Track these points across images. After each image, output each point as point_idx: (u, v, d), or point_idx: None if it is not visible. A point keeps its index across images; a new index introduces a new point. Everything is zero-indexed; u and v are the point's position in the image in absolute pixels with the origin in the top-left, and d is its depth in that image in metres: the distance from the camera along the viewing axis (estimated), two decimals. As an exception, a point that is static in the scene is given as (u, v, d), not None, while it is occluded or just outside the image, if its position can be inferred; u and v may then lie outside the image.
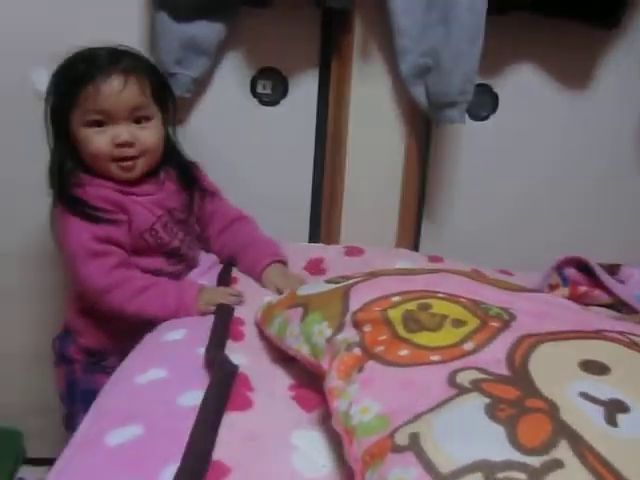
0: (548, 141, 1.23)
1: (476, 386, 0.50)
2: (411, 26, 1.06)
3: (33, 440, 1.30)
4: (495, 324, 0.60)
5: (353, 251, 1.09)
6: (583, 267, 1.01)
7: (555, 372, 0.52)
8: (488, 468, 0.42)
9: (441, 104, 1.09)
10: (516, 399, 0.48)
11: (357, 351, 0.59)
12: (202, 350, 0.72)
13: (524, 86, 1.20)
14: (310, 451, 0.57)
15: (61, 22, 1.07)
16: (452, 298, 0.66)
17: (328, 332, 0.65)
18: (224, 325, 0.80)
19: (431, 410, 0.48)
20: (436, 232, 1.27)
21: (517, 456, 0.42)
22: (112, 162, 0.92)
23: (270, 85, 1.16)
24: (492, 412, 0.46)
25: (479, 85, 1.13)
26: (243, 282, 0.97)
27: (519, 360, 0.54)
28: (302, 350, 0.68)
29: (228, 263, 1.03)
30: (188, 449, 0.55)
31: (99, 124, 0.90)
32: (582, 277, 1.00)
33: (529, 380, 0.51)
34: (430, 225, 1.27)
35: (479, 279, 0.77)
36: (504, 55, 1.17)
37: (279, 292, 0.92)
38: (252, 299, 0.89)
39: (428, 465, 0.43)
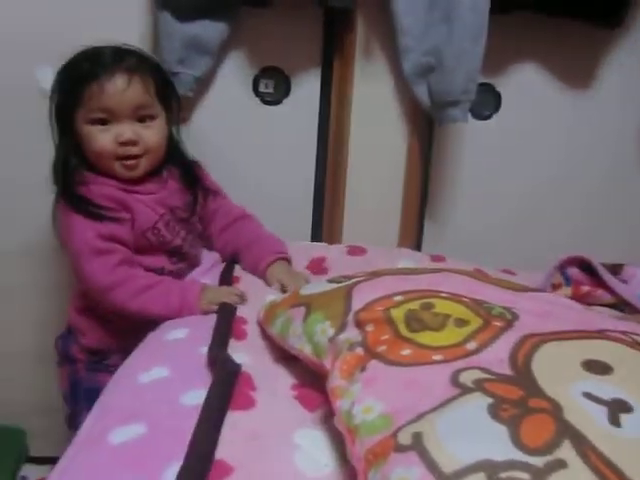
0: (551, 141, 1.23)
1: (479, 386, 0.50)
2: (413, 25, 1.06)
3: (36, 439, 1.30)
4: (498, 324, 0.60)
5: (355, 250, 1.09)
6: (586, 267, 1.01)
7: (558, 372, 0.52)
8: (491, 468, 0.41)
9: (444, 103, 1.09)
10: (519, 399, 0.48)
11: (360, 351, 0.59)
12: (205, 349, 0.73)
13: (527, 85, 1.20)
14: (313, 450, 0.57)
15: (65, 21, 1.07)
16: (455, 298, 0.66)
17: (331, 331, 0.65)
18: (227, 324, 0.80)
19: (434, 410, 0.48)
20: (438, 231, 1.27)
21: (520, 456, 0.42)
22: (116, 160, 0.92)
23: (272, 84, 1.16)
24: (495, 412, 0.46)
25: (482, 84, 1.13)
26: (246, 281, 0.97)
27: (522, 360, 0.54)
28: (304, 349, 0.68)
29: (231, 261, 1.03)
30: (191, 448, 0.55)
31: (103, 122, 0.90)
32: (585, 277, 1.00)
33: (532, 380, 0.51)
34: (432, 224, 1.27)
35: (482, 279, 0.77)
36: (507, 54, 1.17)
37: (283, 289, 0.92)
38: (255, 298, 0.89)
39: (431, 465, 0.43)
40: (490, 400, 0.48)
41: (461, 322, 0.61)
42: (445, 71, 1.07)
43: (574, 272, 1.01)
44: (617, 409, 0.47)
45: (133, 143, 0.91)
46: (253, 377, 0.67)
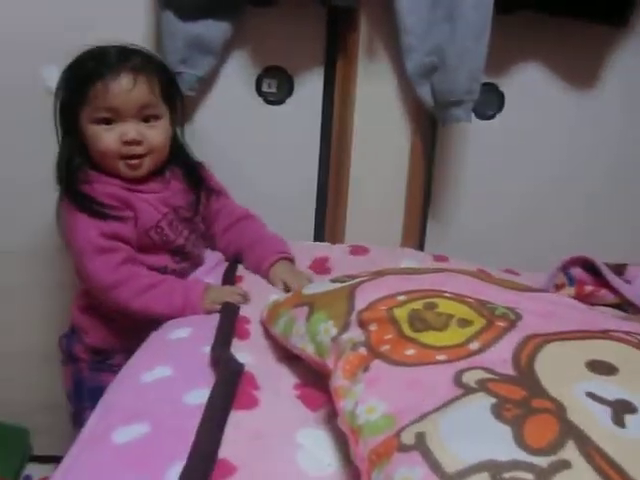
0: (554, 140, 1.23)
1: (482, 386, 0.50)
2: (416, 24, 1.06)
3: (40, 438, 1.31)
4: (501, 324, 0.60)
5: (358, 250, 1.09)
6: (589, 267, 1.00)
7: (562, 372, 0.52)
8: (495, 468, 0.41)
9: (447, 103, 1.09)
10: (522, 399, 0.48)
11: (363, 350, 0.59)
12: (208, 348, 0.73)
13: (530, 85, 1.19)
14: (316, 450, 0.57)
15: (67, 21, 1.07)
16: (458, 297, 0.66)
17: (334, 331, 0.65)
18: (230, 324, 0.80)
19: (437, 410, 0.48)
20: (441, 231, 1.27)
21: (524, 456, 0.42)
22: (120, 160, 0.92)
23: (275, 84, 1.16)
24: (498, 412, 0.46)
25: (485, 84, 1.13)
26: (249, 281, 0.97)
27: (525, 360, 0.53)
28: (307, 349, 0.68)
29: (234, 261, 1.03)
30: (194, 447, 0.55)
31: (108, 122, 0.91)
32: (588, 277, 1.00)
33: (535, 380, 0.50)
34: (435, 224, 1.27)
35: (485, 279, 0.77)
36: (510, 54, 1.17)
37: (287, 288, 0.92)
38: (258, 298, 0.89)
39: (434, 465, 0.43)
40: (493, 400, 0.48)
41: (464, 322, 0.61)
42: (448, 71, 1.07)
43: (577, 272, 1.00)
44: (621, 410, 0.47)
45: (137, 143, 0.91)
46: (256, 377, 0.68)
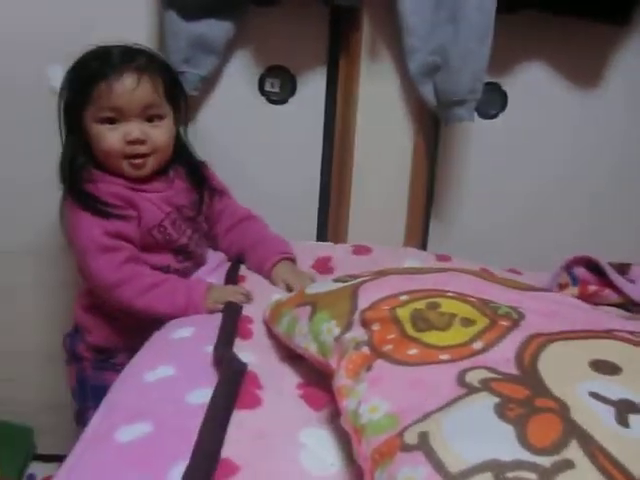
0: (557, 140, 1.23)
1: (485, 385, 0.50)
2: (420, 25, 1.06)
3: (44, 437, 1.31)
4: (504, 323, 0.60)
5: (361, 250, 1.09)
6: (593, 266, 1.00)
7: (565, 372, 0.52)
8: (498, 468, 0.41)
9: (450, 102, 1.08)
10: (525, 399, 0.48)
11: (365, 350, 0.59)
12: (210, 348, 0.73)
13: (533, 85, 1.19)
14: (318, 449, 0.57)
15: (70, 21, 1.07)
16: (461, 297, 0.66)
17: (336, 331, 0.65)
18: (232, 323, 0.80)
19: (440, 409, 0.48)
20: (444, 231, 1.27)
21: (527, 456, 0.42)
22: (123, 159, 0.92)
23: (278, 83, 1.16)
24: (501, 411, 0.46)
25: (488, 83, 1.12)
26: (251, 280, 0.97)
27: (528, 359, 0.53)
28: (310, 348, 0.68)
29: (236, 261, 1.03)
30: (197, 447, 0.55)
31: (111, 121, 0.91)
32: (592, 276, 1.00)
33: (539, 379, 0.50)
34: (438, 224, 1.26)
35: (488, 278, 0.77)
36: (513, 53, 1.16)
37: (289, 288, 0.92)
38: (260, 297, 0.89)
39: (437, 464, 0.43)
40: (496, 400, 0.48)
41: (467, 322, 0.60)
42: (451, 70, 1.07)
43: (581, 272, 1.00)
44: (625, 409, 0.47)
45: (141, 142, 0.92)
46: (259, 376, 0.68)
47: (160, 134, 0.93)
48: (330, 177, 1.21)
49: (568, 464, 0.41)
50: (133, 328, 0.92)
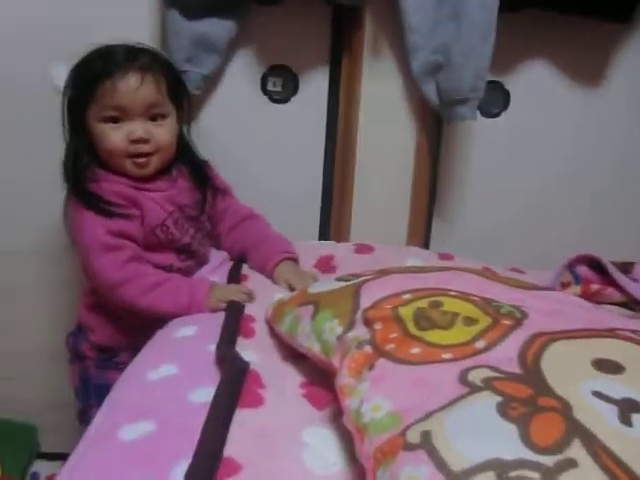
0: (560, 138, 1.23)
1: (488, 384, 0.50)
2: (422, 23, 1.06)
3: (48, 435, 1.31)
4: (507, 322, 0.60)
5: (363, 249, 1.09)
6: (595, 265, 1.00)
7: (568, 371, 0.52)
8: (501, 467, 0.41)
9: (452, 101, 1.08)
10: (528, 397, 0.48)
11: (368, 349, 0.59)
12: (213, 347, 0.73)
13: (536, 83, 1.19)
14: (321, 449, 0.57)
15: (74, 21, 1.07)
16: (463, 296, 0.66)
17: (339, 330, 0.65)
18: (235, 322, 0.80)
19: (443, 408, 0.48)
20: (447, 230, 1.26)
21: (530, 455, 0.42)
22: (127, 158, 0.93)
23: (280, 82, 1.16)
24: (504, 410, 0.46)
25: (490, 82, 1.12)
26: (254, 279, 0.97)
27: (531, 358, 0.53)
28: (313, 348, 0.68)
29: (239, 260, 1.03)
30: (199, 446, 0.55)
31: (115, 120, 0.91)
32: (594, 275, 1.00)
33: (541, 378, 0.50)
34: (441, 223, 1.26)
35: (490, 277, 0.77)
36: (516, 52, 1.16)
37: (291, 288, 0.92)
38: (263, 296, 0.89)
39: (440, 463, 0.43)
40: (499, 399, 0.48)
41: (470, 320, 0.60)
42: (453, 69, 1.06)
43: (583, 270, 1.00)
44: (628, 408, 0.47)
45: (144, 141, 0.92)
46: (261, 375, 0.68)
47: (163, 133, 0.94)
48: (332, 176, 1.21)
49: (571, 463, 0.41)
50: (136, 327, 0.92)
